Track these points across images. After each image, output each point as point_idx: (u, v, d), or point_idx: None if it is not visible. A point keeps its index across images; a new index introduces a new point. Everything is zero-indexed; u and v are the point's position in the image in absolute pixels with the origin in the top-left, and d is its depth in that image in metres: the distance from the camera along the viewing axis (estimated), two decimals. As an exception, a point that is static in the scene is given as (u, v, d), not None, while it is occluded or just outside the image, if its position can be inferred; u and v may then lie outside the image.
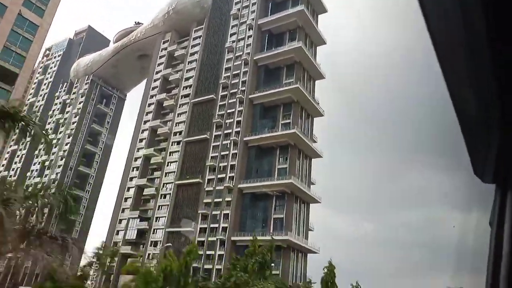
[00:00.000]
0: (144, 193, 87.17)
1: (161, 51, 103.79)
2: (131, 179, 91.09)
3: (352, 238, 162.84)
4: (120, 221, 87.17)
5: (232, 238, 71.22)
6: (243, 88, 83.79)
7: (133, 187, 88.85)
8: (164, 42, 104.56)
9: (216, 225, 74.27)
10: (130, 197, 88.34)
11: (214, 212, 76.06)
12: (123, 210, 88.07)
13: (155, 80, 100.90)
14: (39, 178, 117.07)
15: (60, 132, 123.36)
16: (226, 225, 73.32)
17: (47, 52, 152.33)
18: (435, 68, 1.39)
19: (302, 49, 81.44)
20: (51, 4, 64.09)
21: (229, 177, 77.25)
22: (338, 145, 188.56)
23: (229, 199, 75.27)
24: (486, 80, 1.30)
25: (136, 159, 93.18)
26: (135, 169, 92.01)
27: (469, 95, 1.42)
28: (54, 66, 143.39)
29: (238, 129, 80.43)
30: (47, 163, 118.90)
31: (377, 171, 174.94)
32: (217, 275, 65.51)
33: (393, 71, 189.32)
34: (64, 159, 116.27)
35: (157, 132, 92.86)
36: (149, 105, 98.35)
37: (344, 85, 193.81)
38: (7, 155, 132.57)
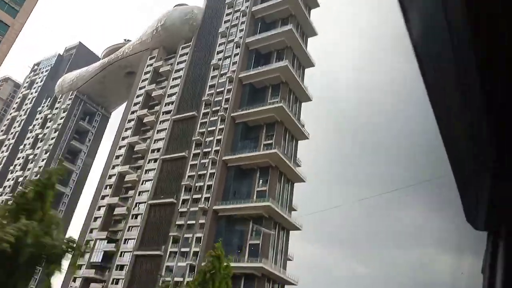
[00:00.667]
0: (114, 213, 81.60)
1: (147, 67, 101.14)
2: (103, 197, 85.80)
3: (341, 275, 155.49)
4: (87, 242, 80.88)
5: (203, 264, 65.37)
6: (226, 106, 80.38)
7: (105, 206, 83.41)
8: (150, 58, 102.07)
9: (187, 249, 68.66)
10: (101, 217, 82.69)
11: (186, 235, 70.58)
12: (91, 231, 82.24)
13: (138, 96, 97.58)
14: (11, 194, 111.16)
15: (38, 148, 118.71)
16: (198, 249, 67.74)
17: (35, 67, 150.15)
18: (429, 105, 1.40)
19: (288, 68, 78.76)
20: (26, 4, 61.38)
21: (205, 198, 72.35)
22: (327, 175, 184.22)
23: (203, 221, 70.08)
24: (478, 126, 1.28)
25: (110, 176, 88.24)
26: (108, 187, 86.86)
27: (460, 141, 1.40)
28: (41, 81, 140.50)
29: (218, 147, 76.30)
30: (20, 179, 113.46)
31: (369, 206, 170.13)
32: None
33: (387, 102, 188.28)
34: (39, 175, 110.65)
35: (135, 149, 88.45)
36: (129, 121, 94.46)
37: (335, 112, 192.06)
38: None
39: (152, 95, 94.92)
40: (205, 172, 75.11)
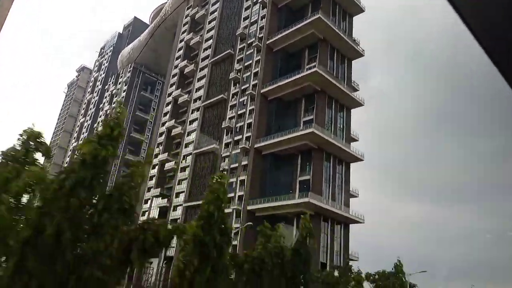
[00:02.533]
0: (165, 169, 78.70)
1: (185, 18, 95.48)
2: (156, 155, 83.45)
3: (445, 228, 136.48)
4: (146, 201, 79.79)
5: (248, 207, 58.50)
6: (261, 35, 70.74)
7: (157, 163, 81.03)
8: (187, 8, 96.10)
9: (232, 194, 62.17)
10: (155, 175, 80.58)
11: (231, 180, 64.07)
12: (148, 189, 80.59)
13: (179, 50, 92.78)
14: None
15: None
16: (242, 193, 60.92)
17: (102, 50, 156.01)
18: None
19: (324, -27, 65.73)
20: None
21: (246, 137, 64.71)
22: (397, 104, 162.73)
23: (245, 162, 62.72)
24: None
25: (161, 134, 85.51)
26: (160, 145, 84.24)
27: None
28: (107, 62, 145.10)
29: (256, 81, 67.56)
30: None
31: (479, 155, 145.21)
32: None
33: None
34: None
35: (178, 102, 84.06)
36: (173, 76, 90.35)
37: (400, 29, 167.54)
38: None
39: (191, 44, 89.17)
40: (245, 110, 67.23)
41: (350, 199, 63.38)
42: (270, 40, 68.33)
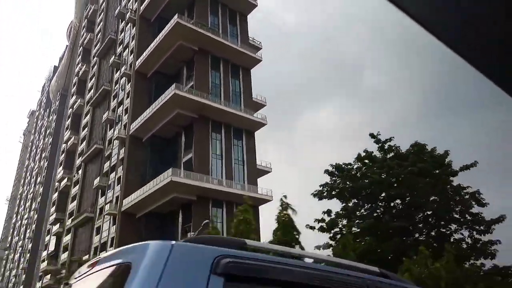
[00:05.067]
0: (60, 189, 66.06)
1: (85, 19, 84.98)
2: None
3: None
4: (49, 231, 66.83)
5: (123, 209, 45.17)
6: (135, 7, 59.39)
7: (56, 186, 68.58)
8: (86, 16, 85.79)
9: (110, 197, 49.17)
10: (55, 200, 67.95)
11: (110, 181, 51.19)
12: (48, 219, 67.81)
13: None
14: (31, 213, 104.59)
15: (43, 159, 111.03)
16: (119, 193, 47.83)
17: (42, 89, 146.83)
18: None
19: None
20: None
21: (124, 125, 52.24)
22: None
23: (122, 156, 49.98)
24: None
25: (62, 152, 73.34)
26: (60, 165, 72.00)
27: None
28: (45, 99, 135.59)
29: (132, 59, 55.68)
30: (30, 196, 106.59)
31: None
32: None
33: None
34: (42, 185, 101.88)
35: (74, 110, 72.24)
36: (74, 83, 79.19)
37: None
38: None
39: (85, 45, 78.28)
40: (123, 95, 55.09)
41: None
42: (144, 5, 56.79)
